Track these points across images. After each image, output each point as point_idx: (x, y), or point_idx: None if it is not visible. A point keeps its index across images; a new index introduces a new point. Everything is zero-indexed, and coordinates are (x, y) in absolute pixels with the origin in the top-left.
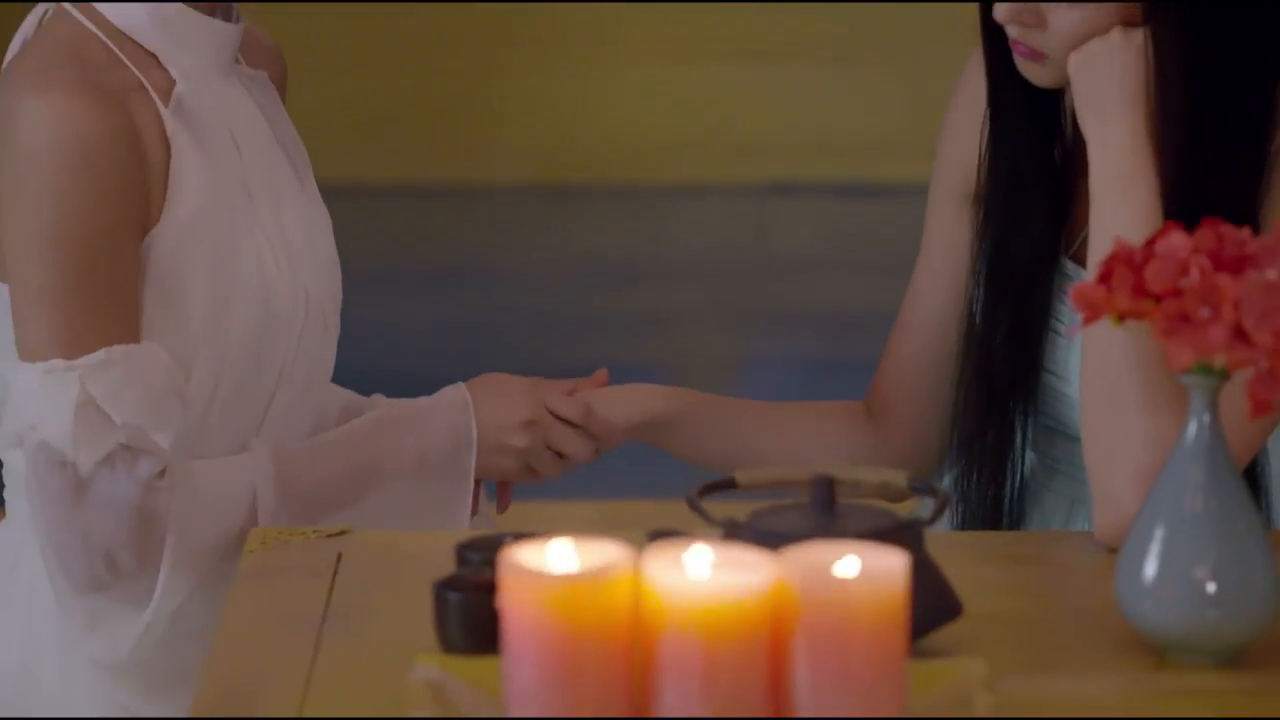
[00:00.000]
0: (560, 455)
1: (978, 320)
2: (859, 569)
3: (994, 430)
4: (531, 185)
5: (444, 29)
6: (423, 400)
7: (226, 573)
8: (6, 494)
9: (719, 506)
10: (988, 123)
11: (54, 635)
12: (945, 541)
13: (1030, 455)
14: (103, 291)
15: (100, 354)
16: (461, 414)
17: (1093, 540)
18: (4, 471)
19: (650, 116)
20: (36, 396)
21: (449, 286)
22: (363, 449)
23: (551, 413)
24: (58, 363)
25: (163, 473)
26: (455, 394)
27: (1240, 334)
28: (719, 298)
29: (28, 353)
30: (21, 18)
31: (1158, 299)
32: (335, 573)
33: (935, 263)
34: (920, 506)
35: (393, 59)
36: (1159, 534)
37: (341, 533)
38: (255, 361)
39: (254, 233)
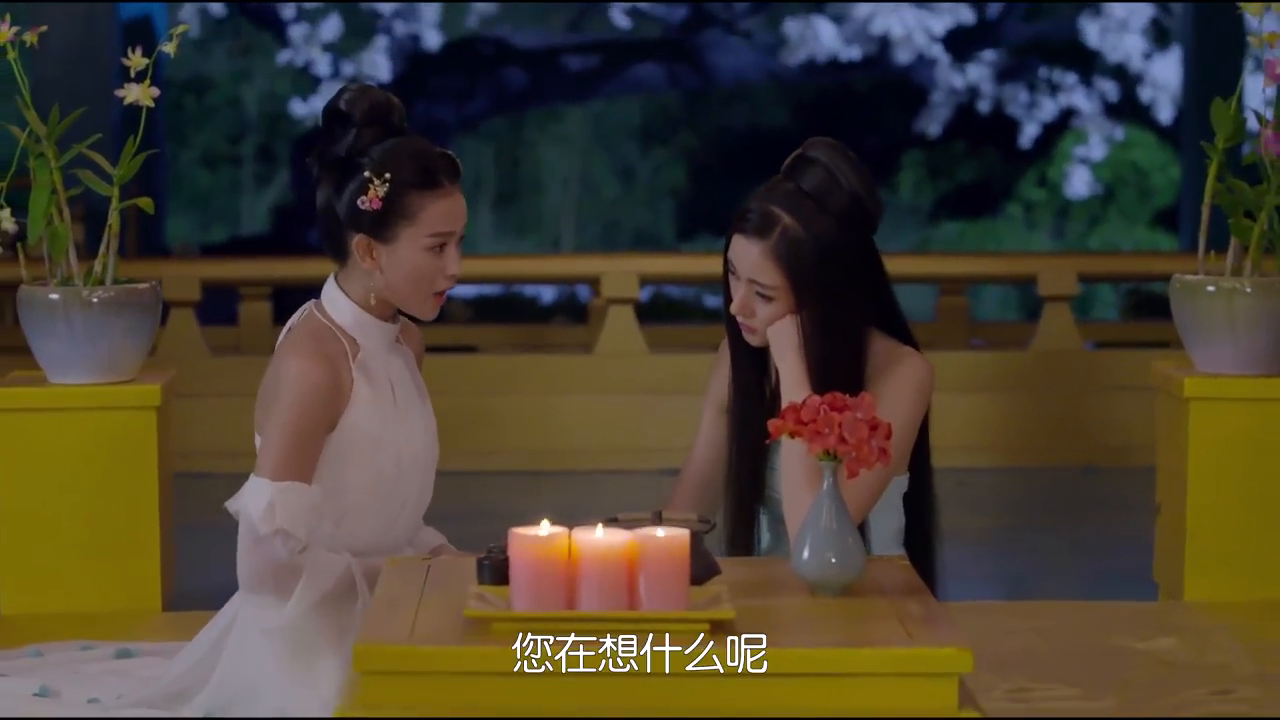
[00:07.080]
0: None
1: (734, 468)
2: (664, 534)
3: (744, 522)
4: (515, 471)
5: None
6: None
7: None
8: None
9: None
10: (731, 368)
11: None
12: (725, 561)
13: (766, 534)
14: (300, 456)
15: (285, 484)
16: None
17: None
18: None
19: (587, 429)
20: (251, 494)
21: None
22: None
23: None
24: (264, 481)
25: (303, 550)
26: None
27: (842, 439)
28: None
29: (257, 471)
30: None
31: (805, 424)
32: (427, 572)
33: (704, 438)
34: (701, 528)
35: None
36: (809, 536)
37: (429, 558)
38: (388, 499)
39: (396, 432)
